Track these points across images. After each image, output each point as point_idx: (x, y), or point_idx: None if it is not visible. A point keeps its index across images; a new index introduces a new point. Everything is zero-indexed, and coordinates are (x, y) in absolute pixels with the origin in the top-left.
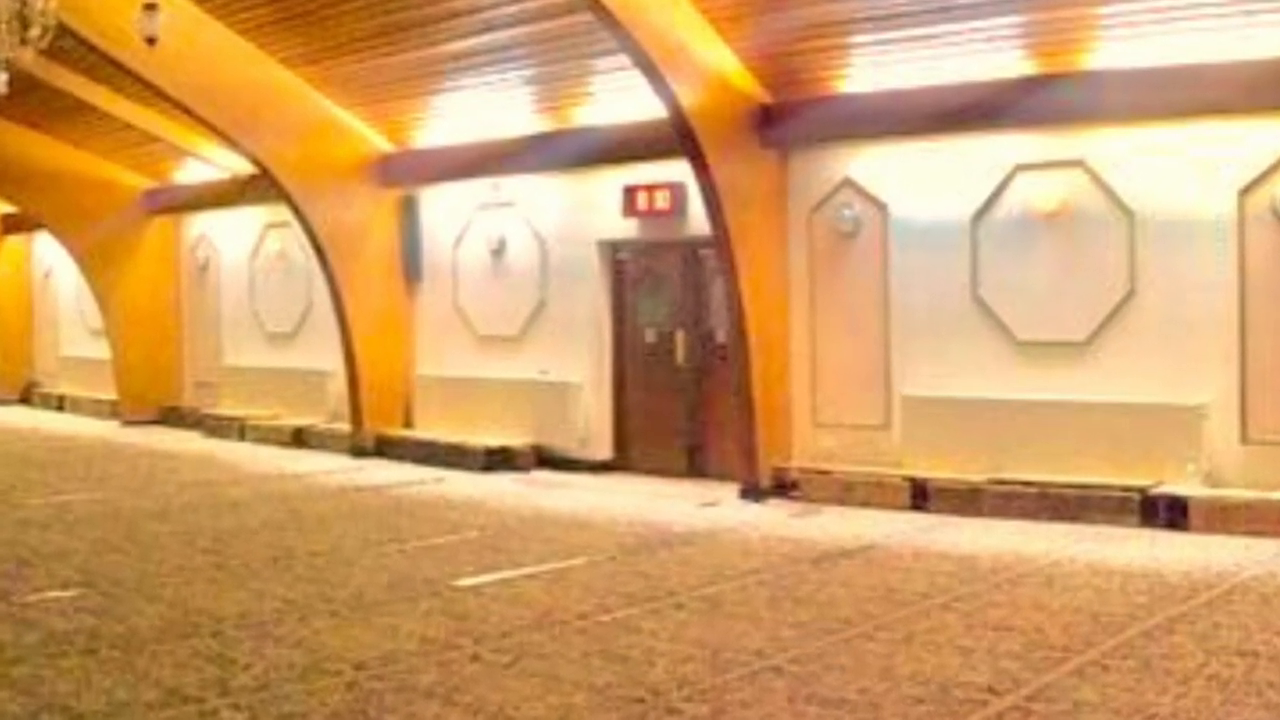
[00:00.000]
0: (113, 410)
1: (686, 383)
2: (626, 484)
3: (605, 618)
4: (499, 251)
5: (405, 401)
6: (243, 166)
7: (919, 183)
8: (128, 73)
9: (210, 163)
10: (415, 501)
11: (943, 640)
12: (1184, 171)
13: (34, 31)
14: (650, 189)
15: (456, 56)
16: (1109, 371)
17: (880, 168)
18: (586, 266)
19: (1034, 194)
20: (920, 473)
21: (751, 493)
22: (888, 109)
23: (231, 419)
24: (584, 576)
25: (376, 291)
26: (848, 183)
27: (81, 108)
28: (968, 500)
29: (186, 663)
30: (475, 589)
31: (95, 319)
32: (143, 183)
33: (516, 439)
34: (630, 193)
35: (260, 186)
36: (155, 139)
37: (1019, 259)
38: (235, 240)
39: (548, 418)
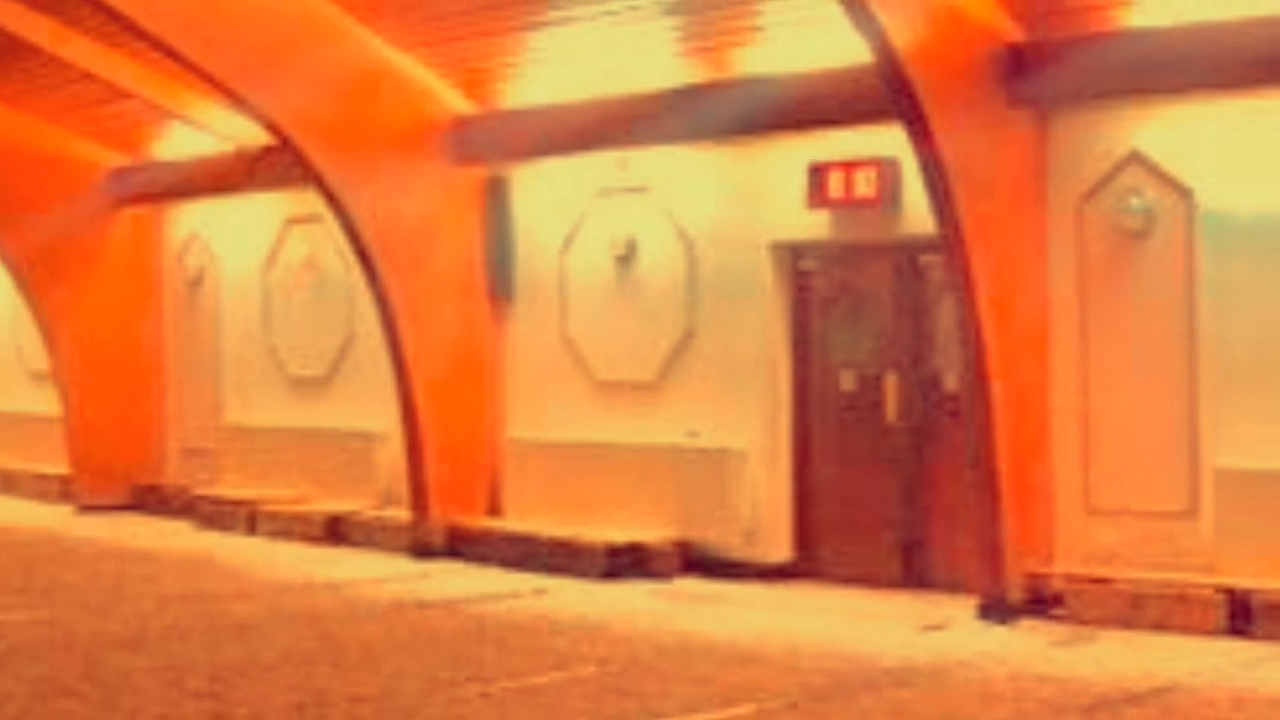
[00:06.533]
0: (63, 490)
1: (900, 450)
2: (813, 597)
3: None
4: (627, 258)
5: (491, 478)
6: (253, 135)
7: (1243, 158)
8: None
9: (206, 129)
10: (505, 623)
11: None
12: None
13: None
14: (847, 168)
15: None
16: None
17: (1184, 136)
18: (754, 281)
19: None
20: (1242, 581)
21: (995, 610)
22: (1195, 50)
23: (237, 503)
24: None
25: (449, 317)
26: (1136, 158)
27: (16, 49)
28: None
29: None
30: None
31: (37, 357)
32: (107, 158)
33: (653, 532)
34: (819, 174)
35: (279, 165)
36: (125, 95)
37: None
38: (242, 243)
39: (698, 502)
